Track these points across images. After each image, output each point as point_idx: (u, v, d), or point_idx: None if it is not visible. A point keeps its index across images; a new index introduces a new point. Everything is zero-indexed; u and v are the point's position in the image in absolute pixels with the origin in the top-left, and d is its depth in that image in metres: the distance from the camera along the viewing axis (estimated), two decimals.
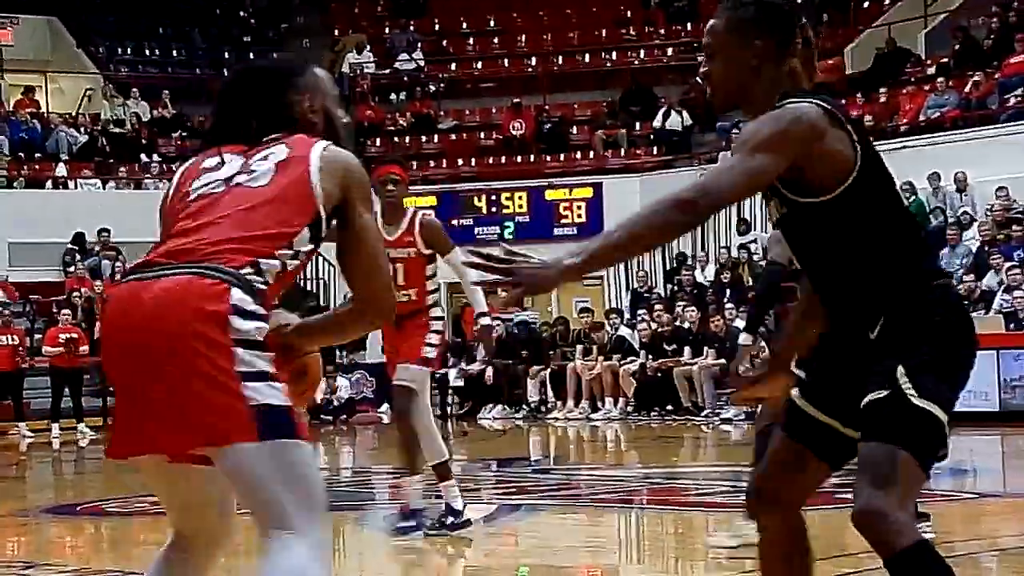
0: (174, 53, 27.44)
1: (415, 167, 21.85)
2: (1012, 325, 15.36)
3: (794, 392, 3.55)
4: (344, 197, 3.11)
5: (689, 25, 25.25)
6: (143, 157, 23.81)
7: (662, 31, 26.16)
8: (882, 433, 3.21)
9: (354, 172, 3.15)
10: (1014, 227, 17.23)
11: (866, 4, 24.89)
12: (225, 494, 3.12)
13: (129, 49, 27.04)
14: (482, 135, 25.01)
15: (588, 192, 22.47)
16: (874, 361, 3.28)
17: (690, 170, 21.07)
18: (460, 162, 24.14)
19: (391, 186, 7.32)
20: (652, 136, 23.54)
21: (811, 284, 3.56)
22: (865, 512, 3.17)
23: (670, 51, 25.75)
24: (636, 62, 25.86)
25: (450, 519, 7.17)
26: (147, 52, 27.23)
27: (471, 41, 27.20)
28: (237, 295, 2.89)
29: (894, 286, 3.32)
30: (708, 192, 3.22)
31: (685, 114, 23.28)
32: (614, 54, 26.14)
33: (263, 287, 2.96)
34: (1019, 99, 19.34)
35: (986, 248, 17.14)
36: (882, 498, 3.15)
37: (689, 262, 20.31)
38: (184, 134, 24.46)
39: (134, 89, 25.00)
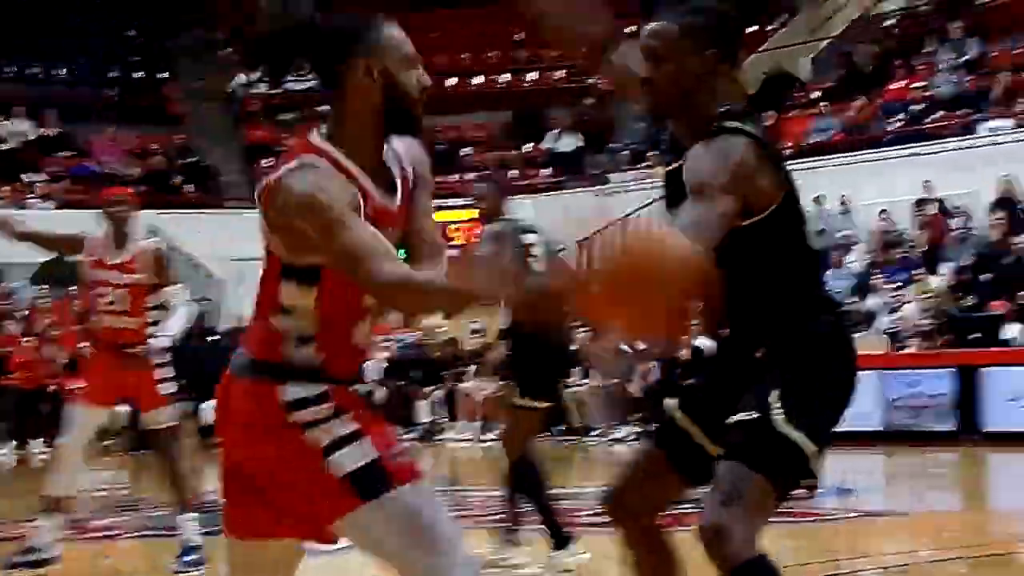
0: (61, 72, 26.96)
1: None
2: (896, 346, 15.68)
3: (672, 403, 3.56)
4: (300, 235, 2.81)
5: None
6: (26, 177, 23.36)
7: (553, 53, 26.33)
8: (740, 454, 3.25)
9: (293, 205, 2.78)
10: (896, 249, 17.60)
11: (752, 29, 25.28)
12: (300, 558, 3.16)
13: (14, 67, 26.52)
14: None
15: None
16: (754, 382, 3.32)
17: (584, 190, 21.21)
18: None
19: (119, 208, 7.29)
20: (543, 159, 23.66)
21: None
22: (706, 528, 3.20)
23: (561, 73, 25.92)
24: (527, 84, 25.99)
25: (33, 556, 7.14)
26: (32, 70, 26.73)
27: None
28: (286, 391, 2.89)
29: (784, 314, 3.37)
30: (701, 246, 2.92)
31: (577, 136, 23.44)
32: (506, 76, 26.24)
33: (309, 362, 2.90)
34: (901, 123, 19.78)
35: (869, 270, 17.48)
36: (725, 516, 3.18)
37: None
38: (72, 154, 24.04)
39: (16, 108, 24.52)
